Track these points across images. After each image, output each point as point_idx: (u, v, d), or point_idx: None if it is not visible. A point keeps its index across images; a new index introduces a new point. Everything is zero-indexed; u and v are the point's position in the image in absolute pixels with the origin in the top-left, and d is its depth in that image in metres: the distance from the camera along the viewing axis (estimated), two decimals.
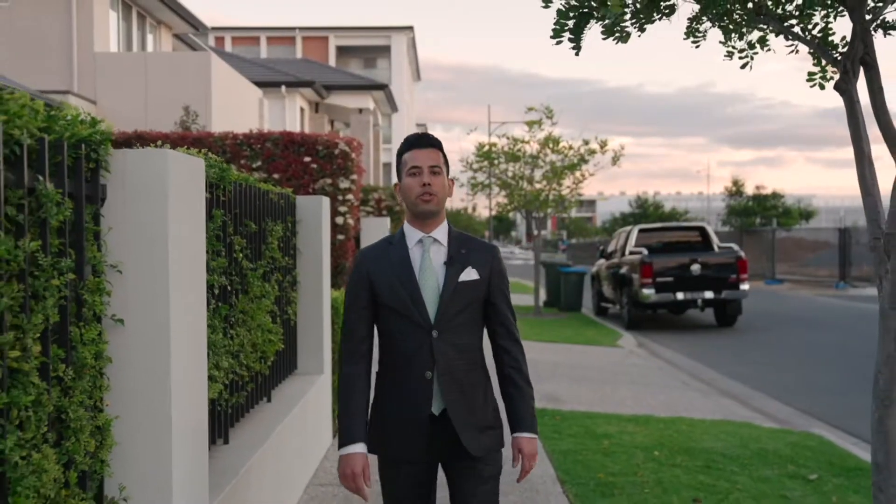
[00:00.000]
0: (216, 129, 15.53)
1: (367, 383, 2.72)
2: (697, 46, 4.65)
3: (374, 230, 13.71)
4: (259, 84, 21.90)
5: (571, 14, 3.82)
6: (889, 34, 4.37)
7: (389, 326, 2.71)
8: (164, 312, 2.65)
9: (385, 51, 48.41)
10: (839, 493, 5.03)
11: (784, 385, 9.82)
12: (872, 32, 4.18)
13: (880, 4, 4.10)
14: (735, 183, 34.75)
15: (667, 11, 3.96)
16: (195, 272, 2.97)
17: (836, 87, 4.03)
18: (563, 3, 3.81)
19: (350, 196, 12.65)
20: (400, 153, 2.77)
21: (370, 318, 2.74)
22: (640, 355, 12.38)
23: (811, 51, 4.27)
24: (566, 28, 3.86)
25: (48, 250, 2.18)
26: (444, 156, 2.78)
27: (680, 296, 15.20)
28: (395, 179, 22.74)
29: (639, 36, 4.11)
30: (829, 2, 4.01)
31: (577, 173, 17.19)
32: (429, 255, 2.70)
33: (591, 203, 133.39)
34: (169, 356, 2.66)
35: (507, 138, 17.32)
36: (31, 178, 2.11)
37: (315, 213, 6.04)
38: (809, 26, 4.36)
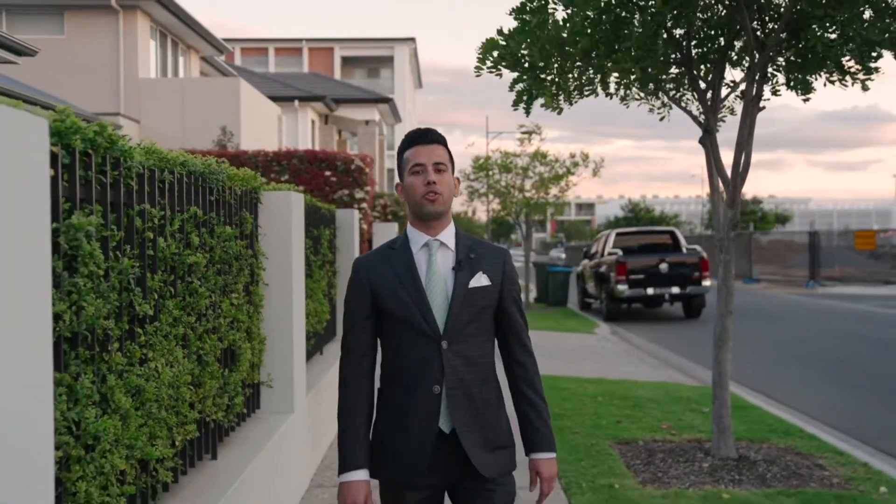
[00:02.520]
0: (244, 145, 17.72)
1: (370, 403, 2.57)
2: (627, 107, 6.81)
3: (385, 234, 15.78)
4: (274, 99, 24.05)
5: (524, 96, 6.02)
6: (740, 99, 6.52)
7: (394, 338, 2.53)
8: (288, 281, 4.82)
9: (388, 61, 50.40)
10: None
11: None
12: (730, 107, 6.35)
13: (731, 86, 6.27)
14: None
15: (588, 94, 6.13)
16: (300, 259, 5.14)
17: (700, 142, 6.21)
18: (521, 86, 6.02)
19: (364, 205, 14.83)
20: (401, 150, 2.60)
21: (373, 330, 2.57)
22: (611, 340, 14.55)
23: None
24: (522, 101, 6.08)
25: (244, 246, 4.35)
26: (449, 152, 2.60)
27: (650, 291, 17.39)
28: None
29: (569, 107, 6.29)
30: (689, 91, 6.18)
31: (563, 183, 19.39)
32: (435, 259, 2.53)
33: (590, 206, 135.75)
34: (291, 306, 4.82)
35: (500, 152, 19.55)
36: (238, 210, 4.27)
37: (349, 221, 8.22)
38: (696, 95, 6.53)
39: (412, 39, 50.34)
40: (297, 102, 26.88)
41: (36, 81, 15.87)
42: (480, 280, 2.53)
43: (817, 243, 28.45)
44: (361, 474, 2.49)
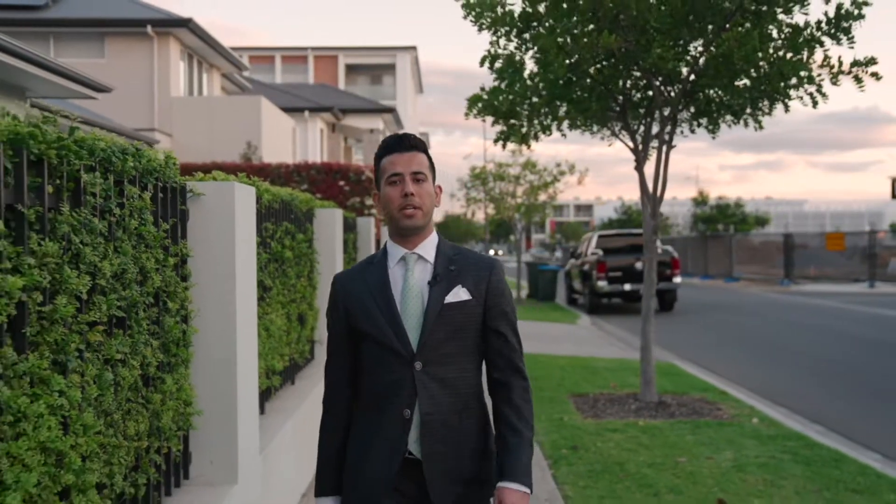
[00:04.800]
0: (265, 156, 19.82)
1: (347, 423, 2.43)
2: (583, 133, 8.83)
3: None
4: (286, 110, 26.12)
5: (502, 135, 8.11)
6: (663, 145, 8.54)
7: (368, 358, 2.36)
8: (333, 270, 6.91)
9: (390, 69, 52.33)
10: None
11: (682, 344, 14.06)
12: (658, 145, 8.38)
13: (658, 132, 8.32)
14: (700, 193, 39.41)
15: (548, 134, 8.21)
16: (340, 255, 7.24)
17: (635, 168, 8.27)
18: (499, 130, 8.10)
19: (373, 210, 16.92)
20: (378, 157, 2.39)
21: (351, 347, 2.39)
22: (589, 329, 16.66)
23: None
24: (500, 139, 8.16)
25: (307, 246, 6.45)
26: (430, 159, 2.40)
27: (627, 287, 19.50)
28: None
29: (538, 142, 8.36)
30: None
31: (551, 190, 21.53)
32: (412, 274, 2.34)
33: (588, 208, 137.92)
34: None
35: (494, 163, 21.72)
36: (304, 222, 6.36)
37: (366, 227, 10.32)
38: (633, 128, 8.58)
39: (413, 48, 52.28)
40: (307, 113, 28.98)
41: (82, 101, 17.95)
42: (459, 294, 2.31)
43: (791, 245, 30.56)
44: (328, 502, 2.39)
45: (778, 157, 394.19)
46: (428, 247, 2.37)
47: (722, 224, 37.96)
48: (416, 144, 2.36)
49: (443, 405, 2.29)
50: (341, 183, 16.87)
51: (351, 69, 52.17)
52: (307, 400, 5.53)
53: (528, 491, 2.28)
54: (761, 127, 8.00)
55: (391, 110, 33.32)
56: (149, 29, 19.07)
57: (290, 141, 24.22)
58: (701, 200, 39.27)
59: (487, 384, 2.41)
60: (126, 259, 2.69)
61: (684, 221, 56.66)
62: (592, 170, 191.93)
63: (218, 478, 3.52)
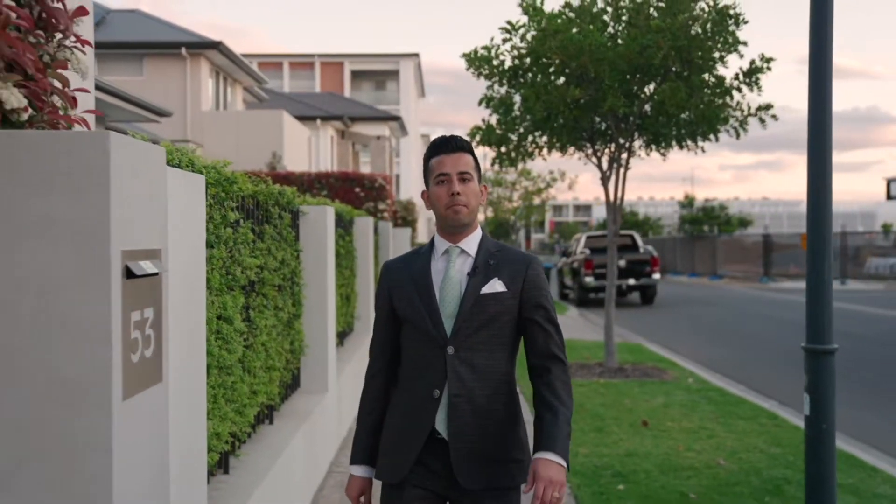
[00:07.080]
0: (287, 165, 22.02)
1: (382, 401, 2.64)
2: (563, 155, 11.04)
3: (401, 236, 19.98)
4: (299, 118, 28.26)
5: (499, 158, 10.32)
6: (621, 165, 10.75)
7: (406, 340, 2.58)
8: (367, 263, 9.12)
9: (394, 74, 54.30)
10: (622, 355, 11.48)
11: (654, 330, 16.26)
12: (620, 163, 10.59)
13: (618, 151, 10.53)
14: (686, 196, 41.80)
15: (533, 158, 10.41)
16: (371, 252, 9.44)
17: (602, 184, 10.48)
18: (493, 155, 10.32)
19: (385, 214, 19.13)
20: (426, 158, 2.58)
21: (393, 331, 2.61)
22: (576, 318, 18.87)
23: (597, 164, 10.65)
24: (497, 161, 10.38)
25: (350, 245, 8.66)
26: (476, 159, 2.57)
27: None
28: (405, 192, 30.77)
29: (524, 164, 10.59)
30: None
31: (544, 194, 23.77)
32: (453, 265, 2.52)
33: (587, 208, 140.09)
34: (369, 277, 9.12)
35: (493, 171, 23.93)
36: (349, 227, 8.56)
37: (385, 229, 12.54)
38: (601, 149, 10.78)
39: (416, 54, 54.27)
40: (318, 121, 31.18)
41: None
42: (495, 286, 2.46)
43: (770, 244, 32.81)
44: (359, 470, 2.58)
45: (778, 157, 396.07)
46: (471, 242, 2.55)
47: (707, 225, 40.31)
48: (462, 146, 2.53)
49: (471, 388, 2.44)
50: (357, 190, 19.09)
51: (356, 75, 54.07)
52: (356, 355, 7.74)
53: (563, 463, 2.34)
54: (703, 150, 10.20)
55: (396, 118, 35.51)
56: (183, 51, 21.28)
57: (307, 149, 26.43)
58: (687, 203, 41.64)
59: (528, 372, 2.54)
60: (284, 252, 4.90)
61: (675, 222, 59.07)
62: (592, 171, 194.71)
63: (316, 388, 5.73)
